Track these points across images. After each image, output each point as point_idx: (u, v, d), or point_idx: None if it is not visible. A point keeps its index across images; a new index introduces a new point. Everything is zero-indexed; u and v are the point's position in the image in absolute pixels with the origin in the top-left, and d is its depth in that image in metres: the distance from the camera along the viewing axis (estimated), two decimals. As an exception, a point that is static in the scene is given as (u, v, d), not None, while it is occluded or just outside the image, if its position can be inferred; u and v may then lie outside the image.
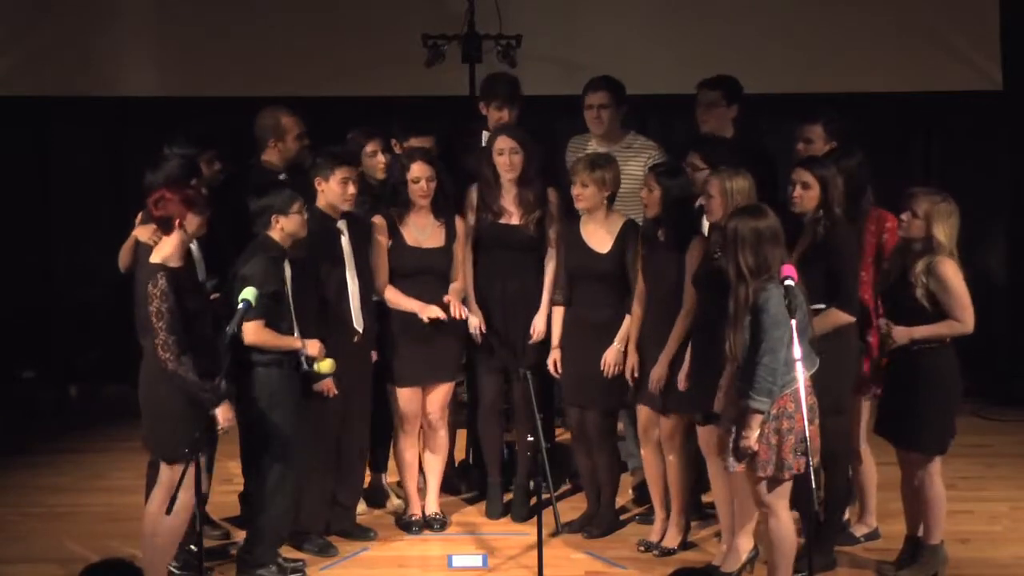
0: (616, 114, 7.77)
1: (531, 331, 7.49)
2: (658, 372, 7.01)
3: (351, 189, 7.12)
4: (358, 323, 7.21)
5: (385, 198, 7.50)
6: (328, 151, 7.21)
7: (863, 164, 7.10)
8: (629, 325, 7.21)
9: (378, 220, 7.39)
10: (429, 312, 7.29)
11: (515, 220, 7.52)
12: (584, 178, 7.24)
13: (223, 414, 6.38)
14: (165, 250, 6.39)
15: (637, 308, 7.16)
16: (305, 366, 6.86)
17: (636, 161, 7.68)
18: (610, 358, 7.24)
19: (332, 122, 8.02)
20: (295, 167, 7.51)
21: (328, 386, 7.02)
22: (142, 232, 6.70)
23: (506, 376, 7.61)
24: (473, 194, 7.59)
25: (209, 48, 9.78)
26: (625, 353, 7.20)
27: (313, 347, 6.82)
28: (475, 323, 7.50)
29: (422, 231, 7.43)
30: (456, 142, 8.03)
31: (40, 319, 10.10)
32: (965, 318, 6.59)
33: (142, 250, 6.61)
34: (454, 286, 7.45)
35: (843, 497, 7.03)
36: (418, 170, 7.34)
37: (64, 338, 10.09)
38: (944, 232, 6.58)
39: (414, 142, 7.70)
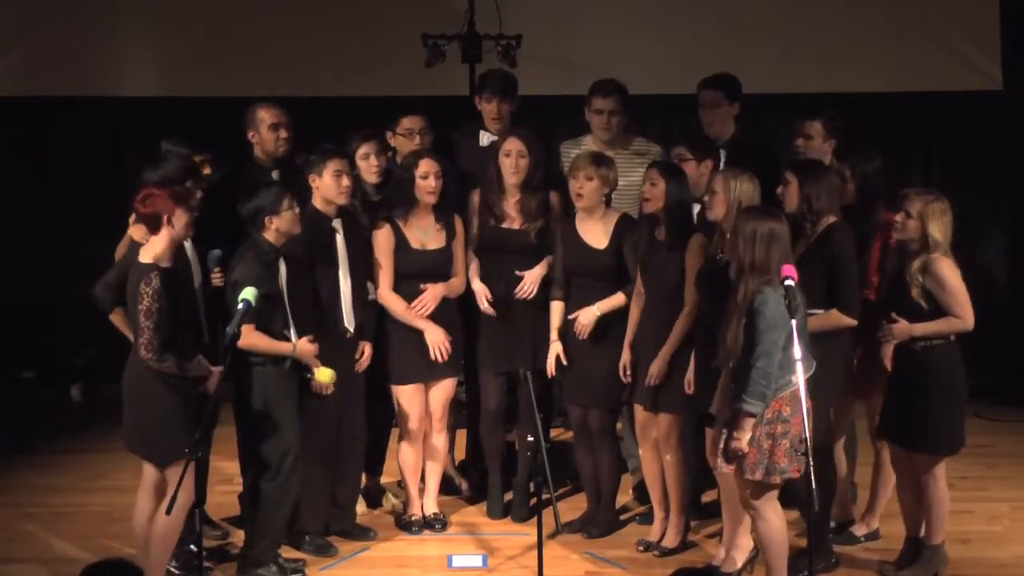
0: (623, 120, 7.76)
1: (520, 288, 7.45)
2: (656, 367, 7.00)
3: (345, 182, 7.12)
4: (349, 322, 7.21)
5: (383, 201, 7.48)
6: (320, 147, 7.21)
7: (880, 171, 7.11)
8: (618, 299, 7.20)
9: (383, 226, 7.38)
10: (419, 322, 7.34)
11: (516, 225, 7.51)
12: (589, 172, 7.22)
13: (212, 383, 6.39)
14: (155, 249, 6.38)
15: (635, 307, 7.16)
16: (305, 374, 6.87)
17: (644, 167, 7.63)
18: (583, 318, 7.22)
19: (332, 122, 8.02)
20: (287, 163, 7.51)
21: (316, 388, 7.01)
22: (136, 231, 6.69)
23: (509, 378, 7.60)
24: (476, 197, 7.59)
25: (209, 48, 9.79)
26: (610, 337, 7.21)
27: (306, 350, 6.82)
28: (480, 290, 7.47)
29: (425, 232, 7.42)
30: (456, 142, 8.01)
31: (40, 319, 10.10)
32: (964, 314, 6.59)
33: (135, 249, 6.62)
34: (451, 282, 7.45)
35: (828, 496, 6.99)
36: (426, 166, 7.32)
37: (64, 338, 10.09)
38: (939, 229, 6.58)
39: (405, 123, 7.71)
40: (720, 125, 7.74)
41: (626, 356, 7.16)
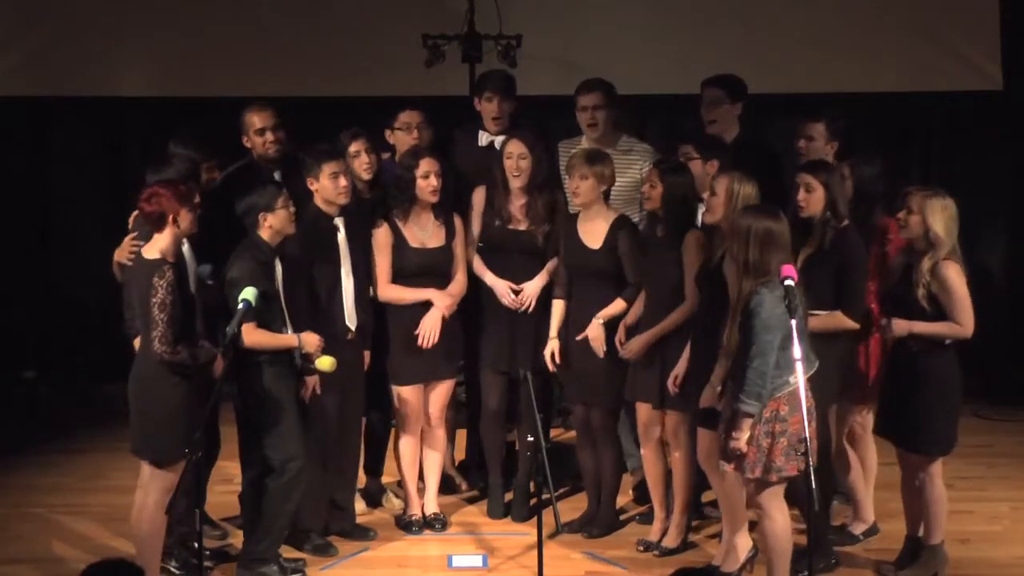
0: (610, 116, 7.74)
1: (518, 301, 7.45)
2: (637, 344, 7.00)
3: (343, 182, 7.13)
4: (351, 321, 7.21)
5: (380, 200, 7.48)
6: (313, 149, 7.21)
7: (880, 176, 7.10)
8: (618, 306, 7.19)
9: (381, 225, 7.38)
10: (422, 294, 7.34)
11: (523, 226, 7.50)
12: (584, 171, 7.21)
13: (218, 367, 6.44)
14: (161, 244, 6.40)
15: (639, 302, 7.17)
16: (299, 361, 6.85)
17: (634, 167, 7.64)
18: (592, 332, 7.22)
19: (333, 122, 8.01)
20: (290, 163, 7.51)
21: (311, 382, 7.00)
22: (120, 255, 6.77)
23: (509, 378, 7.59)
24: (479, 196, 7.58)
25: (208, 48, 9.79)
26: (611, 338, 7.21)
27: (310, 341, 6.82)
28: (501, 286, 7.47)
29: (424, 231, 7.43)
30: (456, 140, 8.00)
31: (40, 319, 10.10)
32: (965, 322, 6.59)
33: (128, 269, 6.65)
34: (453, 287, 7.44)
35: (827, 496, 6.98)
36: (427, 165, 7.32)
37: (64, 338, 10.09)
38: (941, 225, 6.57)
39: (403, 117, 7.73)
40: (722, 124, 7.72)
41: (621, 332, 7.15)
